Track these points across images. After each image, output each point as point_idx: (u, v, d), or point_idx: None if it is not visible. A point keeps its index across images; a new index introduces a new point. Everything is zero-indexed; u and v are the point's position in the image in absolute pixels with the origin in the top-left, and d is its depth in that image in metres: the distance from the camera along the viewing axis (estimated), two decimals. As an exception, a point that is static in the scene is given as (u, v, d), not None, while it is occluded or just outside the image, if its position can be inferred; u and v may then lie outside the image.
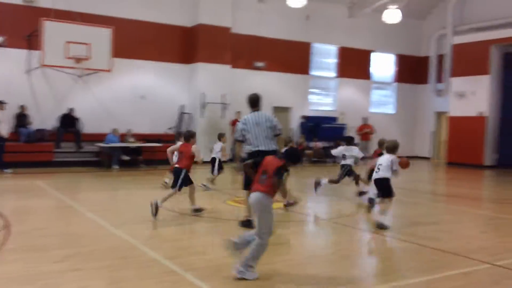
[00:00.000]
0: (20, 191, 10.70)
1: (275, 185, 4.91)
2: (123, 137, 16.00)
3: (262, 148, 7.10)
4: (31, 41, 15.30)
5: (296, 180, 12.12)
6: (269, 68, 19.93)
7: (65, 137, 15.53)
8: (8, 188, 11.22)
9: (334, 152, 10.76)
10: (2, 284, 4.60)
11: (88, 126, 16.22)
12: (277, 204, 7.92)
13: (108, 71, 15.89)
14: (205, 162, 10.20)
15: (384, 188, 7.60)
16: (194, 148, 8.09)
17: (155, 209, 7.69)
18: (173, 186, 8.00)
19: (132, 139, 16.06)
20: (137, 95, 17.46)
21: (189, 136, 8.26)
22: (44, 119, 15.63)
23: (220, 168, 11.53)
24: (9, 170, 13.46)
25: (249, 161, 5.66)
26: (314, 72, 21.46)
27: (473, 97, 20.10)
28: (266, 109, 7.84)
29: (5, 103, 13.79)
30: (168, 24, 18.00)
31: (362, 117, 20.76)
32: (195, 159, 8.16)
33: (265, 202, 4.91)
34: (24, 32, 15.32)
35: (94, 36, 15.36)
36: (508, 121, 19.76)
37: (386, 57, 23.61)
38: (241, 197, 9.48)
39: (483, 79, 19.87)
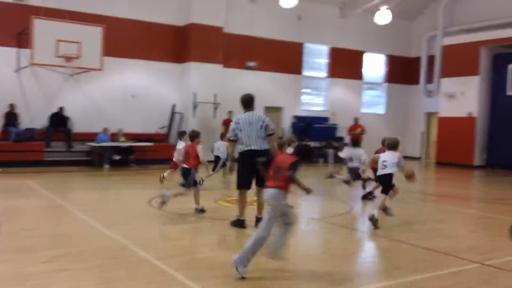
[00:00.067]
0: (9, 191, 10.60)
1: (290, 179, 5.02)
2: (114, 137, 15.92)
3: (254, 147, 7.10)
4: (21, 39, 15.17)
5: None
6: (261, 68, 19.93)
7: (55, 137, 15.41)
8: (-3, 188, 11.13)
9: (341, 154, 10.91)
10: (-9, 284, 4.57)
11: (78, 125, 16.12)
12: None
13: (99, 70, 15.79)
14: (209, 162, 10.33)
15: (388, 184, 7.89)
16: (198, 148, 8.28)
17: (163, 203, 7.90)
18: (185, 185, 8.19)
19: (123, 139, 15.99)
20: (128, 94, 17.38)
21: (194, 136, 8.46)
22: (34, 118, 15.51)
23: (223, 166, 11.73)
24: (-1, 169, 13.36)
25: (261, 159, 5.80)
26: (306, 72, 21.51)
27: (463, 97, 20.27)
28: (258, 109, 7.83)
29: (-6, 102, 13.69)
30: (160, 23, 17.94)
31: (354, 117, 20.85)
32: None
33: (279, 197, 5.03)
34: (14, 30, 15.19)
35: (84, 35, 15.24)
36: (497, 121, 19.94)
37: (377, 58, 23.71)
38: (234, 197, 9.49)
39: (473, 80, 20.03)
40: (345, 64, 22.25)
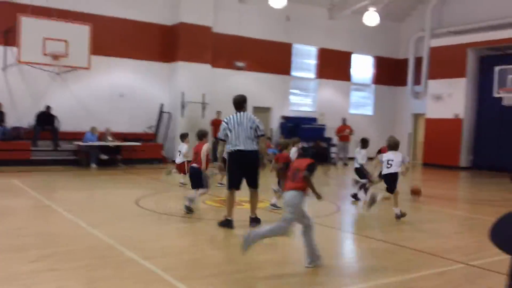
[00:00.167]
0: (-5, 190, 10.50)
1: (305, 179, 5.15)
2: (101, 136, 15.83)
3: (241, 147, 7.11)
4: (8, 37, 15.02)
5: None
6: (249, 68, 19.95)
7: (42, 136, 15.29)
8: (-18, 187, 11.00)
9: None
10: (-24, 284, 4.52)
11: (66, 124, 16.00)
12: (265, 204, 7.95)
13: (87, 68, 15.70)
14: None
15: (393, 183, 8.28)
16: (204, 147, 8.36)
17: (189, 209, 8.09)
18: (196, 186, 8.36)
19: (110, 138, 15.90)
20: (116, 93, 17.30)
21: (202, 135, 8.55)
22: (21, 116, 15.37)
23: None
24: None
25: (281, 164, 6.25)
26: (294, 73, 21.56)
27: (450, 99, 20.46)
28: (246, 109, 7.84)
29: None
30: (148, 22, 17.88)
31: (342, 118, 20.95)
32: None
33: (299, 198, 5.20)
34: (1, 28, 15.05)
35: (72, 33, 15.16)
36: (483, 123, 20.16)
37: (365, 59, 23.84)
38: (221, 197, 9.49)
39: (460, 82, 20.24)
40: (334, 65, 22.35)
